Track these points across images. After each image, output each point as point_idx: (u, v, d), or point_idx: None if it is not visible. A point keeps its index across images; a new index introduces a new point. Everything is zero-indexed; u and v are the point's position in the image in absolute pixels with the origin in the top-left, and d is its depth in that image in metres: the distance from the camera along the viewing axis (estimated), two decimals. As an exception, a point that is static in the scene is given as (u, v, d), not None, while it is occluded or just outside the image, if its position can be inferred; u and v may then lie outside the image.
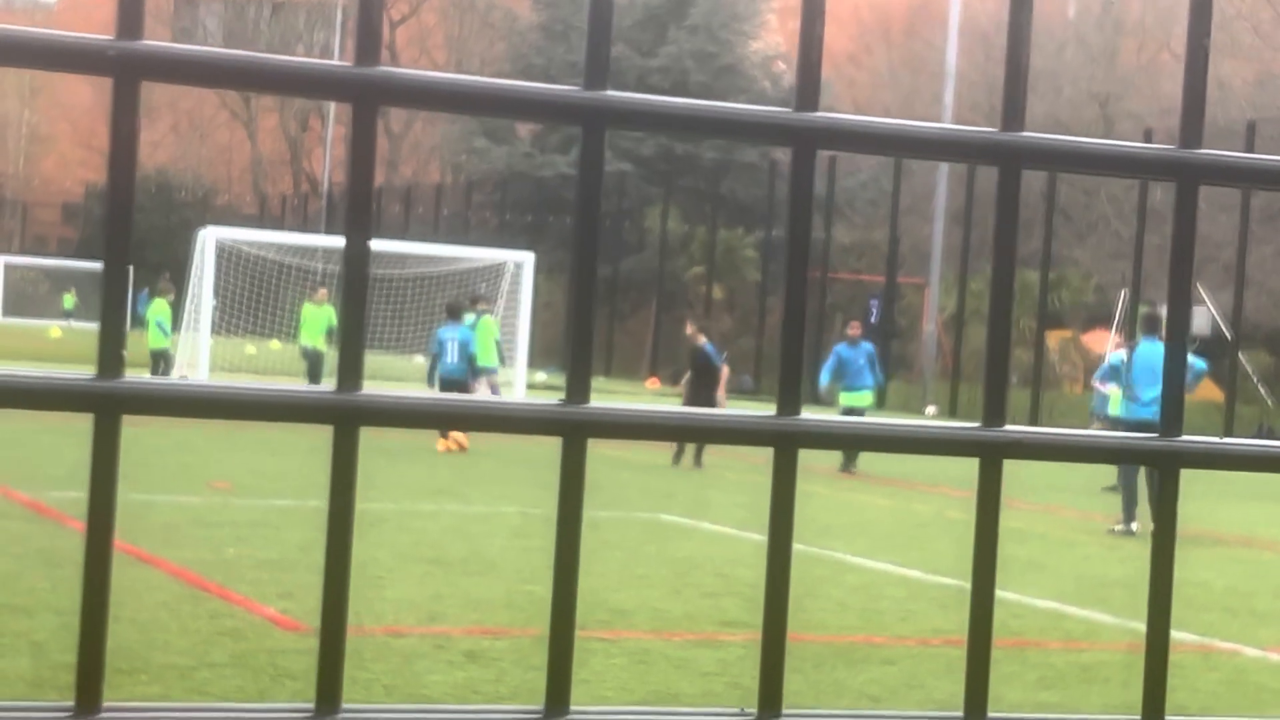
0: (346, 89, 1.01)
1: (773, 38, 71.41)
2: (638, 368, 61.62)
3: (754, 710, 1.10)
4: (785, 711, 1.11)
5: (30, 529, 14.47)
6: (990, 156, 1.12)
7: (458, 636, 10.76)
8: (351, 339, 1.02)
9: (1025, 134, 1.13)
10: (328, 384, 1.01)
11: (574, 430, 1.05)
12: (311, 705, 1.07)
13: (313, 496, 17.18)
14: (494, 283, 39.90)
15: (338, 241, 47.21)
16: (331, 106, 63.01)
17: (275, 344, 46.55)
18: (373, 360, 30.69)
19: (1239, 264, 42.70)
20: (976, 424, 1.12)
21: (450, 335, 25.40)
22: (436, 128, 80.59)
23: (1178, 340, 1.14)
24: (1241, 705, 10.22)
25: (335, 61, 0.99)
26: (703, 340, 27.07)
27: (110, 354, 0.97)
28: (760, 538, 15.39)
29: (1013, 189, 1.12)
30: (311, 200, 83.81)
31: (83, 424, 1.38)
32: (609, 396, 47.52)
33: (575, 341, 1.06)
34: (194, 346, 35.42)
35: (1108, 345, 43.34)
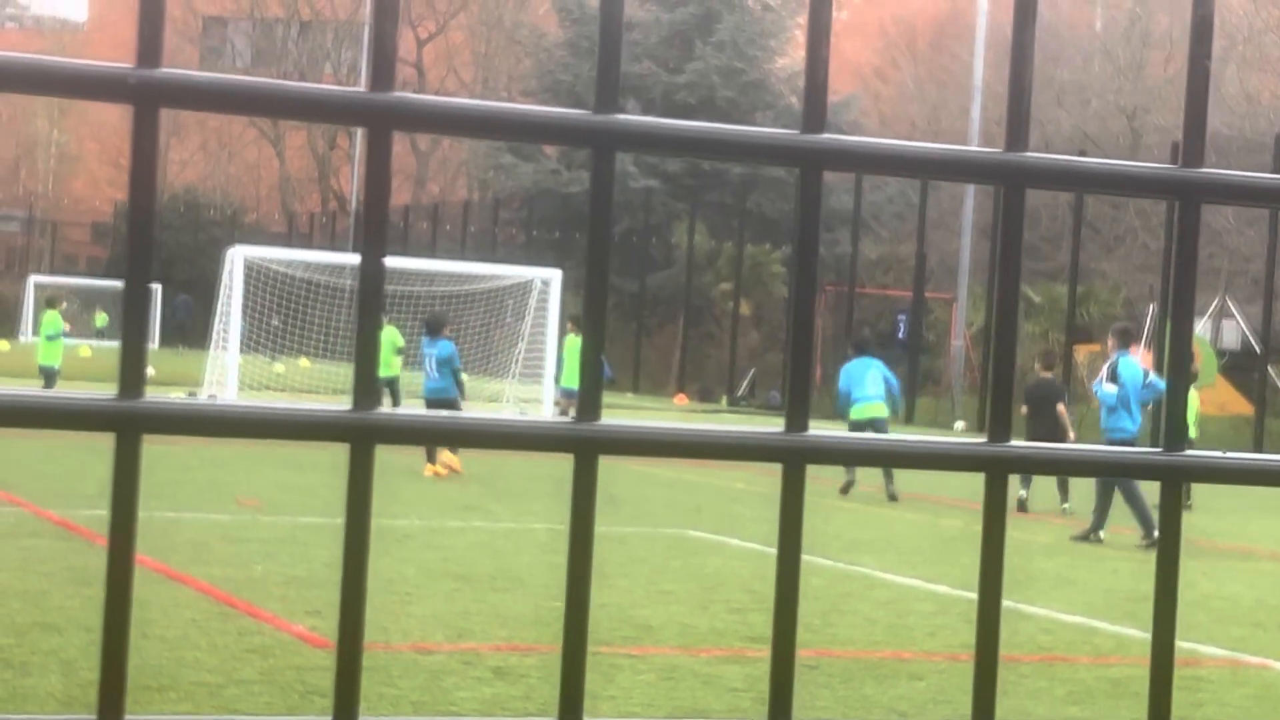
0: (362, 115, 1.03)
1: (799, 54, 71.41)
2: (665, 384, 61.58)
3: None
4: (795, 723, 1.13)
5: (60, 547, 14.53)
6: (994, 177, 1.14)
7: (486, 653, 10.77)
8: (366, 358, 1.05)
9: (1028, 154, 1.14)
10: (343, 403, 1.03)
11: (585, 447, 1.07)
12: (329, 717, 1.09)
13: (340, 514, 17.17)
14: (521, 299, 39.93)
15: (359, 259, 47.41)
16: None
17: (305, 362, 46.66)
18: (403, 378, 30.54)
19: (1268, 277, 42.56)
20: (982, 439, 1.14)
21: (429, 351, 24.93)
22: (464, 145, 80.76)
23: (1179, 357, 1.16)
24: (1271, 720, 10.20)
25: (351, 88, 1.01)
26: (1048, 375, 26.50)
27: (131, 374, 0.99)
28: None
29: (1016, 209, 1.14)
30: (339, 218, 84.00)
31: (109, 441, 1.39)
32: (637, 414, 47.47)
33: (587, 360, 1.08)
34: (223, 365, 35.51)
35: (1137, 358, 43.19)
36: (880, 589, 14.60)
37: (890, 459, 1.13)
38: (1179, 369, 1.17)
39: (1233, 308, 48.99)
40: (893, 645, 11.78)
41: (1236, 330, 48.85)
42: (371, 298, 1.03)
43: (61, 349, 33.45)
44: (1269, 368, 43.28)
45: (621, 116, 1.06)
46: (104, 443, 1.15)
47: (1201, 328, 49.86)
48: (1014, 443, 1.15)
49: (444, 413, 1.05)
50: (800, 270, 1.10)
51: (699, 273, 62.64)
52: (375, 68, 1.04)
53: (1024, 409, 24.83)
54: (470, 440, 1.07)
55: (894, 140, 1.17)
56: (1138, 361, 21.20)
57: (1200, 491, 27.16)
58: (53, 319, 33.38)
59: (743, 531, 18.25)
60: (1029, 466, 1.14)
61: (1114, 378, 20.64)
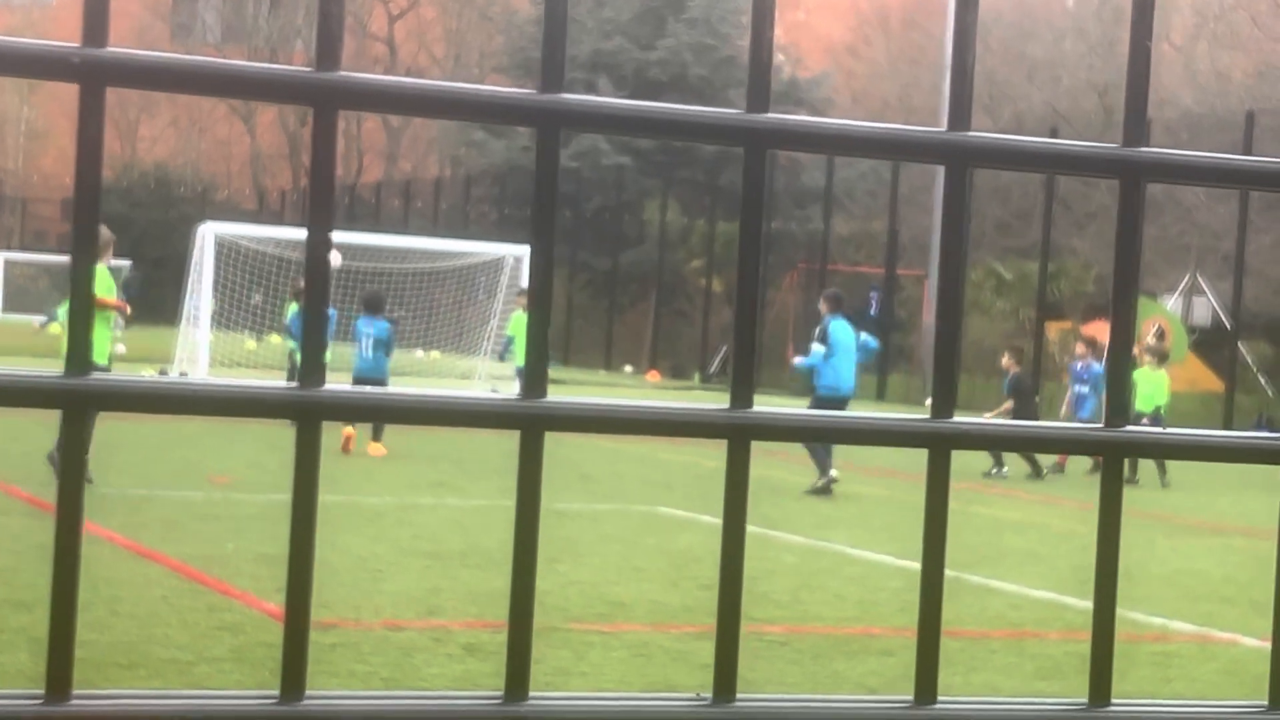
0: (306, 94, 1.03)
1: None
2: (637, 361, 61.58)
3: (709, 695, 1.13)
4: (740, 697, 1.14)
5: (30, 524, 14.50)
6: (937, 156, 1.15)
7: (456, 630, 10.78)
8: (313, 336, 1.05)
9: (971, 134, 1.15)
10: (258, 378, 1.04)
11: (531, 424, 1.08)
12: (276, 693, 1.10)
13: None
14: (493, 276, 39.90)
15: (337, 236, 47.34)
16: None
17: (276, 338, 46.57)
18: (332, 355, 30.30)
19: (1238, 254, 42.69)
20: (925, 416, 1.15)
21: (366, 330, 24.32)
22: (436, 121, 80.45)
23: (1122, 334, 1.17)
24: (1239, 695, 10.25)
25: (296, 67, 1.01)
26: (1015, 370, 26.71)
27: (79, 352, 1.00)
28: (758, 529, 15.47)
29: (959, 188, 1.15)
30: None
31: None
32: (609, 390, 47.46)
33: (533, 337, 1.09)
34: (193, 342, 35.41)
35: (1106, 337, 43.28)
36: (850, 565, 14.64)
37: (833, 435, 1.14)
38: (1122, 346, 1.18)
39: (1203, 284, 49.13)
40: (863, 621, 11.81)
41: (1207, 307, 49.00)
42: (319, 274, 1.04)
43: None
44: (1239, 344, 43.44)
45: (566, 96, 1.06)
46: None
47: (1172, 304, 50.02)
48: (956, 419, 1.16)
49: (389, 389, 1.06)
50: (745, 249, 1.11)
51: (671, 250, 62.63)
52: (320, 47, 1.05)
53: (1009, 404, 25.13)
54: (416, 417, 1.08)
55: (837, 120, 1.17)
56: (850, 325, 22.35)
57: (1173, 469, 27.27)
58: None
59: (714, 509, 18.19)
60: (971, 442, 1.15)
61: (824, 339, 21.84)
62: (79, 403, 0.99)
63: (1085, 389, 25.83)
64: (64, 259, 79.44)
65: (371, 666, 9.56)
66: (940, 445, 1.15)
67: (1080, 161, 1.18)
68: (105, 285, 17.57)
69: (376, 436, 23.64)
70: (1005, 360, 26.75)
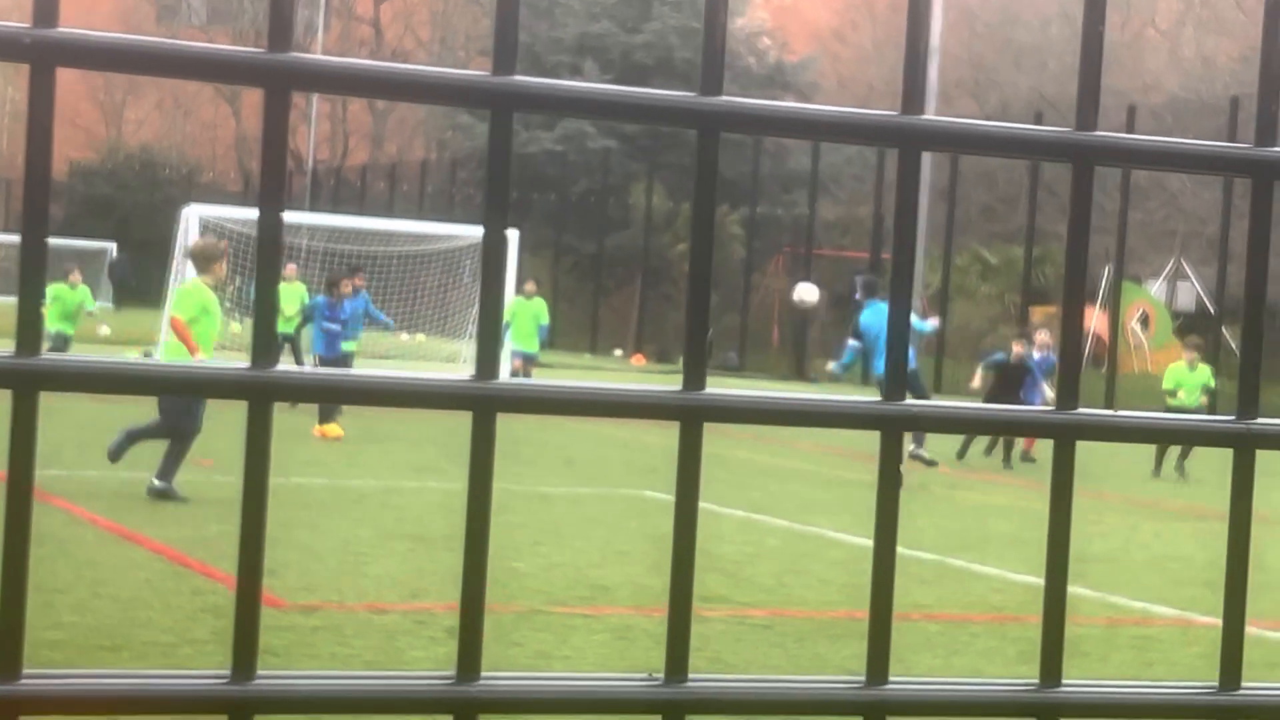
0: (259, 75, 1.04)
1: (757, 14, 71.36)
2: (623, 345, 61.58)
3: (660, 676, 1.13)
4: (691, 677, 1.15)
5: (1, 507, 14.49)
6: (890, 139, 1.15)
7: (440, 613, 10.79)
8: (265, 315, 1.06)
9: (924, 118, 1.16)
10: (244, 361, 1.04)
11: (483, 405, 1.08)
12: (228, 673, 1.10)
13: (294, 474, 17.21)
14: (479, 260, 39.85)
15: (322, 218, 47.10)
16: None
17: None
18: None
19: (1222, 239, 42.75)
20: (876, 399, 1.15)
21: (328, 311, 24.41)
22: (421, 104, 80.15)
23: (1073, 316, 1.18)
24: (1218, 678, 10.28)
25: (249, 48, 1.01)
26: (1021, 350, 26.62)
27: (29, 332, 1.00)
28: (743, 514, 15.49)
29: (913, 171, 1.15)
30: (296, 177, 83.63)
31: (64, 402, 1.40)
32: (594, 375, 47.42)
33: (484, 318, 1.09)
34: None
35: (1091, 321, 43.44)
36: (834, 549, 14.66)
37: (785, 418, 1.15)
38: (1073, 327, 1.19)
39: (1188, 270, 49.21)
40: (846, 605, 11.83)
41: (1191, 292, 49.09)
42: (270, 253, 1.04)
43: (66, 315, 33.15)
44: (1223, 329, 43.51)
45: (519, 78, 1.07)
46: (50, 401, 1.16)
47: (1157, 289, 50.09)
48: (909, 401, 1.16)
49: (342, 370, 1.06)
50: (698, 231, 1.11)
51: (657, 234, 62.61)
52: (273, 29, 1.05)
53: (980, 378, 25.16)
54: (370, 398, 1.08)
55: (790, 104, 1.18)
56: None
57: (1151, 456, 27.32)
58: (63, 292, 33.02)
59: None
60: (922, 425, 1.16)
61: (856, 333, 22.01)
62: (27, 383, 0.99)
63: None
64: (60, 242, 79.33)
65: (354, 649, 9.58)
66: (891, 427, 1.16)
67: (1033, 145, 1.19)
68: (199, 303, 16.37)
69: (324, 419, 23.67)
70: (1019, 346, 26.63)
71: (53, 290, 30.65)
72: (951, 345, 49.71)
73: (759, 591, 12.11)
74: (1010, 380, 25.57)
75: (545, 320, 31.22)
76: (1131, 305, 46.49)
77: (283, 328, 30.36)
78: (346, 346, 25.62)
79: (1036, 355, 26.24)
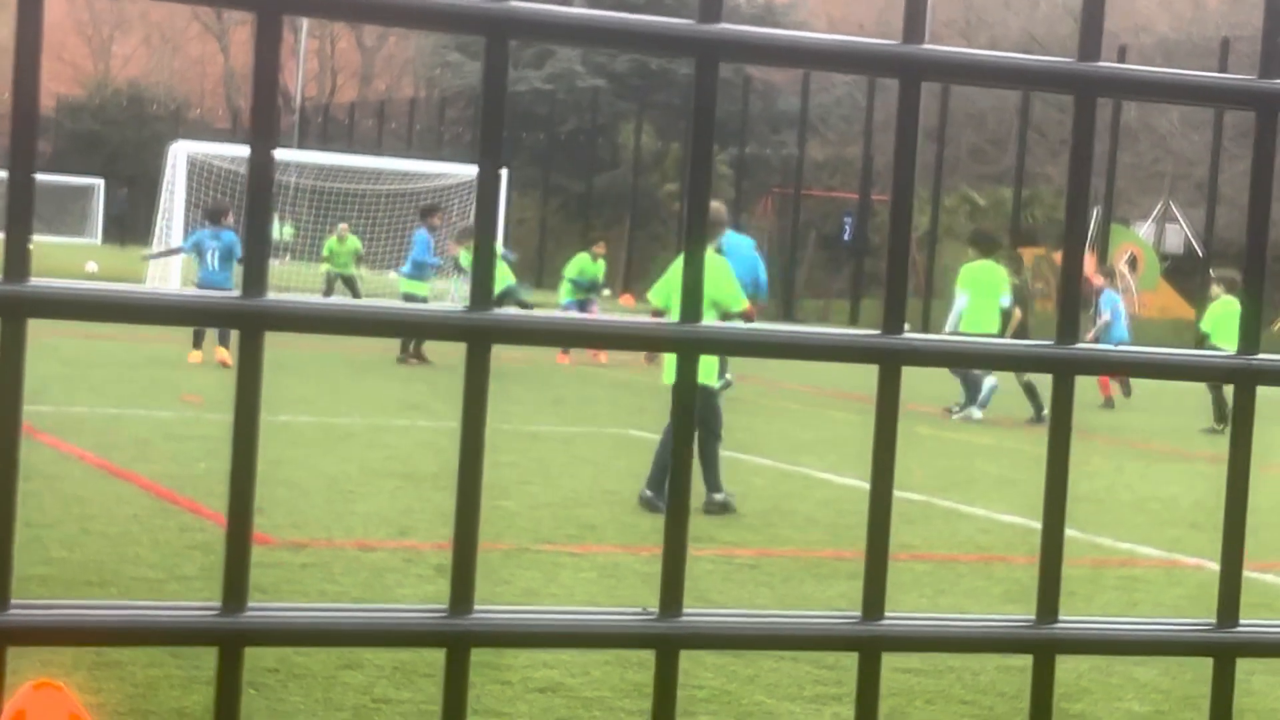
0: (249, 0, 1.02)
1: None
2: (611, 285, 61.55)
3: (654, 611, 1.13)
4: (686, 612, 1.14)
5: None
6: (890, 69, 1.14)
7: (427, 551, 10.81)
8: (256, 246, 1.04)
9: (925, 47, 1.14)
10: (236, 291, 1.03)
11: (478, 336, 1.07)
12: (218, 605, 1.09)
13: (283, 411, 17.20)
14: (467, 198, 39.79)
15: (310, 156, 46.92)
16: (304, 20, 62.53)
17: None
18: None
19: (1211, 181, 42.74)
20: (876, 331, 1.14)
21: (212, 243, 24.29)
22: (410, 41, 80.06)
23: (1074, 250, 1.16)
24: (1204, 619, 10.32)
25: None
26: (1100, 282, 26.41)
27: (15, 259, 0.99)
28: (729, 453, 15.48)
29: (913, 101, 1.14)
30: (284, 115, 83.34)
31: (52, 338, 1.38)
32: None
33: (479, 250, 1.08)
34: (165, 262, 35.29)
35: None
36: (821, 489, 14.69)
37: (781, 351, 1.13)
38: (1074, 258, 1.18)
39: (1176, 211, 49.20)
40: (832, 545, 11.86)
41: (1180, 234, 49.11)
42: (260, 188, 1.03)
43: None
44: (1211, 271, 43.55)
45: (514, 4, 1.05)
46: (42, 338, 1.14)
47: (1145, 231, 50.08)
48: (906, 335, 1.15)
49: (334, 300, 1.05)
50: (696, 162, 1.10)
51: (645, 173, 62.50)
52: (264, -48, 1.03)
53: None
54: (362, 329, 1.07)
55: (789, 32, 1.16)
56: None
57: (1141, 395, 27.39)
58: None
59: (686, 431, 18.27)
60: (921, 359, 1.15)
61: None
62: (17, 310, 0.98)
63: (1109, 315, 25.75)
64: (48, 178, 79.13)
65: (342, 586, 9.59)
66: (891, 360, 1.15)
67: (1034, 76, 1.17)
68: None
69: (224, 342, 23.82)
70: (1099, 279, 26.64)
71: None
72: (939, 286, 49.70)
73: (745, 531, 12.13)
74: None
75: (601, 280, 32.07)
76: (1120, 247, 46.49)
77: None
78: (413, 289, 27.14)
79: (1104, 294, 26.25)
